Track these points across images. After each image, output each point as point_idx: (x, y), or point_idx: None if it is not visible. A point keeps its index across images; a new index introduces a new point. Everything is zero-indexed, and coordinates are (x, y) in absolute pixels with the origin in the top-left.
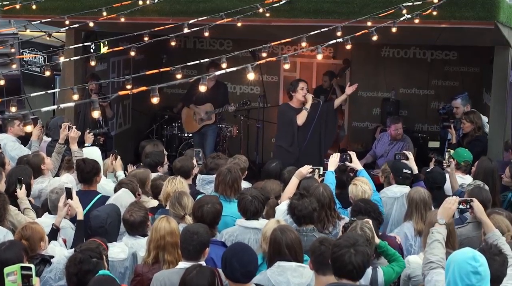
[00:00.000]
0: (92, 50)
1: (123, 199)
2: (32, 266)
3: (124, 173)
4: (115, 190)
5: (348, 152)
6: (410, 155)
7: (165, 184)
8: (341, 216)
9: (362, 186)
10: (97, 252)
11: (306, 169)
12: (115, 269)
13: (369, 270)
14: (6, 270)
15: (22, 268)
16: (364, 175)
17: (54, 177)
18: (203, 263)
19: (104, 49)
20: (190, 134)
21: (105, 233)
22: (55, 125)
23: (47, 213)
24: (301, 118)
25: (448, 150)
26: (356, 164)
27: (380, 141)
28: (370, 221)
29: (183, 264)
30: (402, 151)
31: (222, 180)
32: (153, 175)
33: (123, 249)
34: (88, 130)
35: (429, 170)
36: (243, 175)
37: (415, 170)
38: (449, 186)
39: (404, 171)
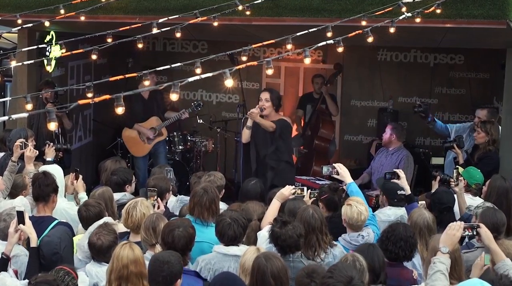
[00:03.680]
0: (48, 53)
1: None
2: None
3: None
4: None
5: (333, 164)
6: (401, 174)
7: (125, 211)
8: (334, 242)
9: (357, 206)
10: (54, 284)
11: (288, 190)
12: None
13: None
14: None
15: None
16: (354, 188)
17: (5, 198)
18: None
19: (61, 52)
20: None
21: (61, 260)
22: (17, 137)
23: None
24: (243, 137)
25: (457, 167)
26: (344, 176)
27: (378, 155)
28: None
29: None
30: (393, 170)
31: (197, 201)
32: (119, 195)
33: (83, 280)
34: (51, 144)
35: (432, 192)
36: (220, 193)
37: (408, 190)
38: (457, 208)
39: (399, 192)
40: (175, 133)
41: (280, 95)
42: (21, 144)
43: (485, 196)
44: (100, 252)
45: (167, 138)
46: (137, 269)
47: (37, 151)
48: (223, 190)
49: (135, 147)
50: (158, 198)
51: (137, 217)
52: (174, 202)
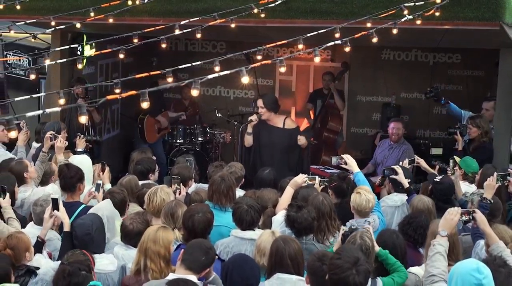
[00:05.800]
0: (79, 53)
1: (105, 209)
2: (17, 285)
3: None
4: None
5: (342, 155)
6: (399, 170)
7: (147, 197)
8: (342, 227)
9: (366, 194)
10: (86, 264)
11: (301, 179)
12: (103, 282)
13: (368, 281)
14: None
15: None
16: (361, 177)
17: (37, 186)
18: (194, 278)
19: (92, 51)
20: (182, 140)
21: (92, 240)
22: (51, 130)
23: (32, 222)
24: (246, 142)
25: (453, 157)
26: (352, 166)
27: (381, 147)
28: (371, 229)
29: (173, 276)
30: (391, 166)
31: (216, 189)
32: (143, 183)
33: (112, 261)
34: (82, 136)
35: (438, 179)
36: (239, 183)
37: (405, 185)
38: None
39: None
40: (195, 126)
41: (275, 98)
42: (51, 136)
43: (477, 184)
44: (127, 235)
45: (188, 130)
46: (156, 248)
47: (67, 142)
48: (243, 179)
49: (149, 133)
50: (181, 184)
51: (157, 202)
52: (193, 188)
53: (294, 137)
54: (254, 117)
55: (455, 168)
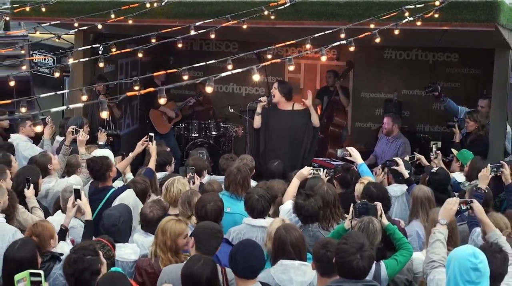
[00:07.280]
0: (100, 52)
1: (130, 199)
2: (41, 272)
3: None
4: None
5: (347, 147)
6: (400, 161)
7: (165, 188)
8: (345, 215)
9: None
10: (91, 249)
11: (307, 170)
12: (124, 270)
13: (372, 265)
14: (16, 277)
15: (31, 274)
16: (364, 168)
17: (64, 177)
18: None
19: (113, 50)
20: (197, 134)
21: (118, 231)
22: (74, 125)
23: (59, 211)
24: (255, 122)
25: (436, 142)
26: (356, 158)
27: (380, 141)
28: (380, 204)
29: None
30: (393, 158)
31: (232, 179)
32: (161, 174)
33: (134, 251)
34: (103, 130)
35: (434, 170)
36: (251, 174)
37: (406, 175)
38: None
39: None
40: (209, 121)
41: (291, 87)
42: (73, 130)
43: (467, 175)
44: (149, 223)
45: (203, 125)
46: (163, 238)
47: (88, 136)
48: (254, 170)
49: (160, 125)
50: (196, 174)
51: (174, 192)
52: (207, 179)
53: (303, 117)
54: (264, 99)
55: (437, 152)
